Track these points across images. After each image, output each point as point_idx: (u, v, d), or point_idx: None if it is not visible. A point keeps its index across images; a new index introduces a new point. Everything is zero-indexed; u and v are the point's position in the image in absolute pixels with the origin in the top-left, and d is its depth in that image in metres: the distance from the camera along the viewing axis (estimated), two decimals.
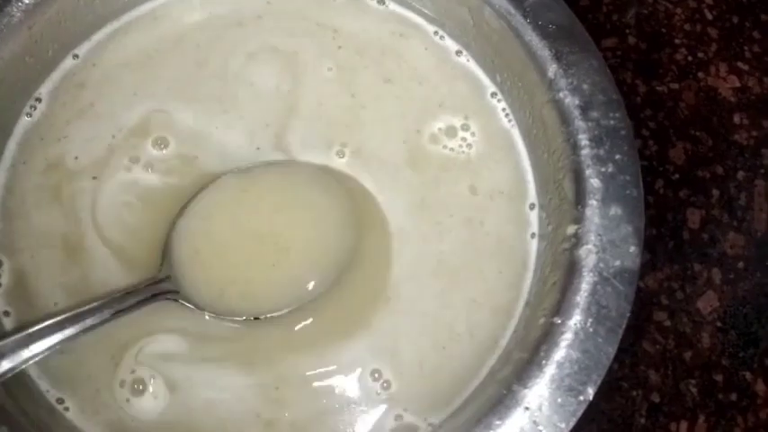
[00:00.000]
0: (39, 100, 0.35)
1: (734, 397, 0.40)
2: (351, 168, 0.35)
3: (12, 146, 0.34)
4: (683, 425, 0.39)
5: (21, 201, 0.33)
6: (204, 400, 0.31)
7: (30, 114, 0.35)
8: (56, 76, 0.36)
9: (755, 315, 0.41)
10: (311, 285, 0.32)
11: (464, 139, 0.36)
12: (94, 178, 0.34)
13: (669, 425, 0.38)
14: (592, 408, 0.37)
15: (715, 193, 0.43)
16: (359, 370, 0.32)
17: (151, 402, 0.30)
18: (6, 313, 0.32)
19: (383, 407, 0.32)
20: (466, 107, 0.37)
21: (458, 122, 0.36)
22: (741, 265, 0.42)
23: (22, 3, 0.33)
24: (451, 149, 0.36)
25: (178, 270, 0.31)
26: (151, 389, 0.31)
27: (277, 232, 0.32)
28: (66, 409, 0.30)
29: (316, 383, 0.31)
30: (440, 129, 0.36)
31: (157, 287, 0.31)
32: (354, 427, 0.31)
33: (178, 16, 0.38)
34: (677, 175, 0.44)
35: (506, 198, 0.35)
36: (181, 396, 0.31)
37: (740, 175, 0.44)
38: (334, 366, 0.32)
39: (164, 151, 0.35)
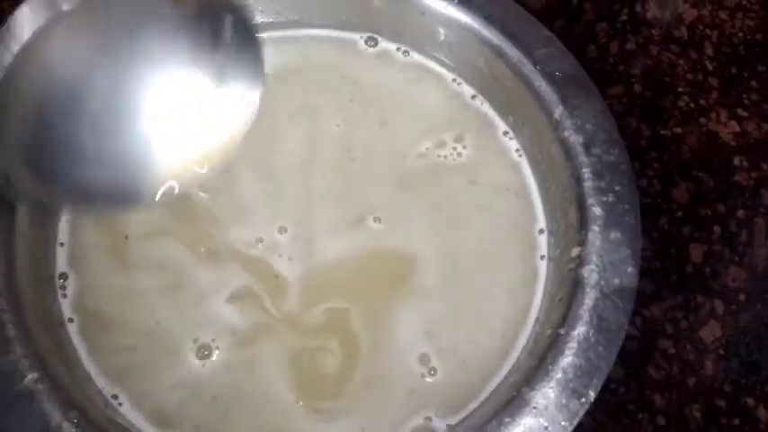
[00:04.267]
0: None
1: (737, 422, 0.41)
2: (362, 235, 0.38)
3: None
4: None
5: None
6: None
7: None
8: None
9: (757, 345, 0.43)
10: None
11: (459, 153, 0.40)
12: None
13: None
14: (599, 428, 0.40)
15: (717, 229, 0.46)
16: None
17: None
18: (71, 320, 0.36)
19: (421, 399, 0.34)
20: (477, 140, 0.41)
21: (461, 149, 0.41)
22: (742, 297, 0.44)
23: None
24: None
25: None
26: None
27: None
28: (120, 404, 0.34)
29: None
30: (438, 154, 0.41)
31: None
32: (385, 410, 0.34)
33: None
34: (680, 213, 0.46)
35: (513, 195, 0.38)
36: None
37: (741, 213, 0.46)
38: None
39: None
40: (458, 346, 0.36)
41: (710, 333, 0.43)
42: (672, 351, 0.42)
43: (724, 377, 0.42)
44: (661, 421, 0.41)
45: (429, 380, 0.35)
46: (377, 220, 0.39)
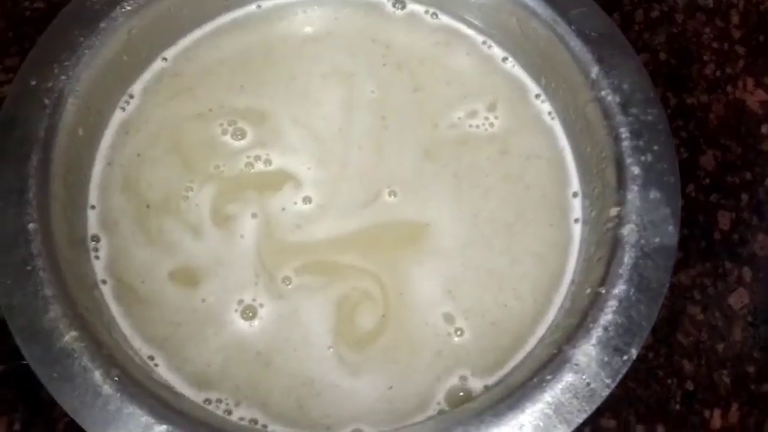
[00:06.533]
0: (132, 96, 0.40)
1: (766, 388, 0.41)
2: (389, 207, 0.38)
3: (108, 134, 0.39)
4: (717, 412, 0.40)
5: (118, 178, 0.38)
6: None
7: (123, 108, 0.40)
8: (146, 75, 0.40)
9: None
10: None
11: (491, 123, 0.40)
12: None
13: (703, 412, 0.40)
14: (629, 393, 0.40)
15: (744, 197, 0.45)
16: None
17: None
18: (104, 282, 0.36)
19: (451, 359, 0.35)
20: (509, 107, 0.41)
21: (492, 116, 0.41)
22: None
23: (124, 9, 0.37)
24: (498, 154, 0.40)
25: None
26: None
27: None
28: (156, 365, 0.34)
29: None
30: (470, 124, 0.40)
31: None
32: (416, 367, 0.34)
33: (261, 28, 0.42)
34: (708, 180, 0.46)
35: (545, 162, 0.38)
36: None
37: None
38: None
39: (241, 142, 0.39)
40: (484, 309, 0.36)
41: (739, 300, 0.43)
42: (700, 317, 0.42)
43: (753, 344, 0.42)
44: (690, 387, 0.41)
45: (456, 340, 0.35)
46: (392, 194, 0.38)
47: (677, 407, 0.40)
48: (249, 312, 0.35)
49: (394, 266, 0.37)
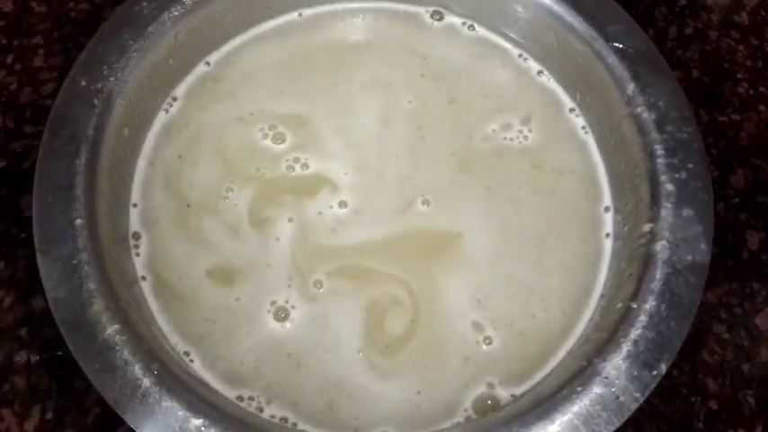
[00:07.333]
0: (175, 99, 0.41)
1: None
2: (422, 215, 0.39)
3: (151, 135, 0.40)
4: None
5: (160, 177, 0.39)
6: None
7: (167, 110, 0.41)
8: (190, 78, 0.41)
9: None
10: None
11: (525, 136, 0.41)
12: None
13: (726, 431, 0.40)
14: (652, 409, 0.40)
15: None
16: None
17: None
18: (143, 278, 0.37)
19: (479, 367, 0.35)
20: (543, 121, 0.41)
21: (526, 130, 0.41)
22: None
23: (171, 14, 0.38)
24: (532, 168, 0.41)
25: None
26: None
27: None
28: (192, 361, 0.34)
29: None
30: (504, 137, 0.41)
31: None
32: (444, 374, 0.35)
33: (302, 35, 0.43)
34: (737, 200, 0.46)
35: (577, 176, 0.39)
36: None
37: None
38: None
39: (281, 146, 0.40)
40: (513, 319, 0.36)
41: (766, 320, 0.43)
42: (726, 336, 0.42)
43: None
44: (714, 406, 0.40)
45: (485, 348, 0.36)
46: (425, 203, 0.39)
47: (700, 425, 0.40)
48: (281, 314, 0.36)
49: (424, 274, 0.37)
